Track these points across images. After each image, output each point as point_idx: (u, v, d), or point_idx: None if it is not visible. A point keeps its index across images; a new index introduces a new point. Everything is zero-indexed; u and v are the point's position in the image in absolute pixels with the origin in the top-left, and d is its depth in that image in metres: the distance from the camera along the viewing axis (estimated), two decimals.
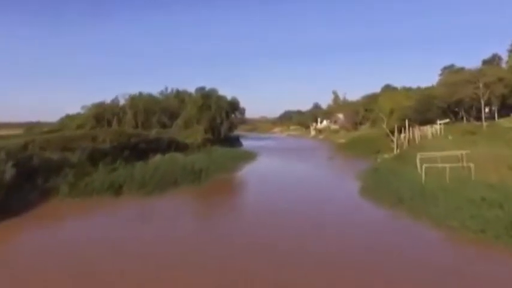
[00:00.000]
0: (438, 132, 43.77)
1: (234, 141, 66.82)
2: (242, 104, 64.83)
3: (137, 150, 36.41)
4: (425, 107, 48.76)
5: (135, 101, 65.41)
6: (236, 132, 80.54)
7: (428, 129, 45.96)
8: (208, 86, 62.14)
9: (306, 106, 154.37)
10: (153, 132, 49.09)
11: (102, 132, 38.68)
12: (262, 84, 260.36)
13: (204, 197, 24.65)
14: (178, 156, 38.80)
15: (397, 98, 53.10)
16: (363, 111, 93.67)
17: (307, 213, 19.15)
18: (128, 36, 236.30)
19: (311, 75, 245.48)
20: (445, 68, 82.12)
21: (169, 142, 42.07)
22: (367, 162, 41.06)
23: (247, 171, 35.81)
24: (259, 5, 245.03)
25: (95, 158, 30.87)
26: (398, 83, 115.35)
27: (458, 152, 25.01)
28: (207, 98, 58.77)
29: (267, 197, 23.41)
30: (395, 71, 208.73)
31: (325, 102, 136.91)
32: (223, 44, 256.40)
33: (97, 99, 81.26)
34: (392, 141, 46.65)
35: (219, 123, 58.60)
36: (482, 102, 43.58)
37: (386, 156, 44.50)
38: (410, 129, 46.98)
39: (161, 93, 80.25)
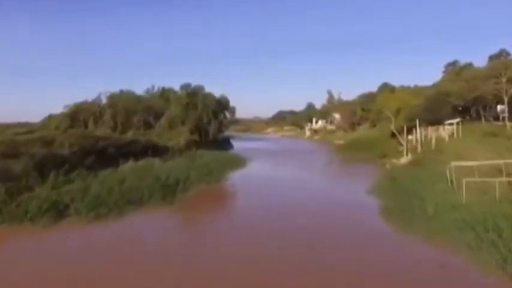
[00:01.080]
0: (454, 133, 38.56)
1: (224, 144, 61.12)
2: (233, 103, 59.36)
3: (105, 156, 30.59)
4: (437, 106, 43.58)
5: (115, 99, 59.21)
6: (228, 133, 75.59)
7: (441, 130, 40.87)
8: (194, 83, 56.20)
9: (299, 106, 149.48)
10: (129, 134, 43.22)
11: (64, 135, 32.77)
12: (255, 83, 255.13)
13: (173, 223, 18.54)
14: (155, 162, 33.04)
15: (403, 96, 47.73)
16: (360, 111, 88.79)
17: (316, 258, 12.60)
18: (128, 34, 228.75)
19: (304, 74, 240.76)
20: (448, 65, 77.29)
21: (146, 146, 36.23)
22: (374, 169, 35.78)
23: (235, 182, 30.15)
24: (250, 3, 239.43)
25: (47, 166, 24.97)
26: (395, 82, 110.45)
27: (500, 161, 19.63)
28: (193, 96, 53.01)
29: (255, 225, 16.90)
30: (391, 69, 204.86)
31: (319, 102, 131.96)
32: (216, 43, 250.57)
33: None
34: (400, 143, 41.38)
35: (207, 123, 52.88)
36: (506, 99, 38.47)
37: (395, 161, 39.26)
38: (420, 130, 41.87)
39: (147, 91, 74.09)
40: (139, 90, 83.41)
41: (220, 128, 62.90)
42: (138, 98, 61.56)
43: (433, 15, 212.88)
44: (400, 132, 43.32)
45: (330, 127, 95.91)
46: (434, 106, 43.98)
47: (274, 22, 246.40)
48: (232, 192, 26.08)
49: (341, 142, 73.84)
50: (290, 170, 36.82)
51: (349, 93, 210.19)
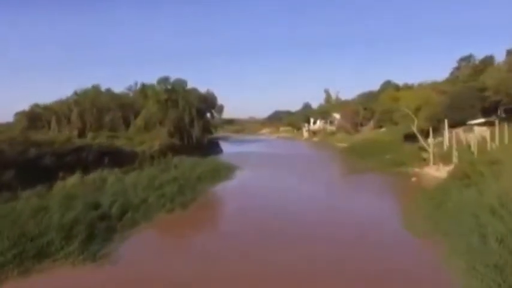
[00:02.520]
0: (487, 136, 30.84)
1: (211, 147, 53.12)
2: (227, 102, 51.62)
3: (38, 169, 22.51)
4: (465, 103, 35.96)
5: (82, 96, 50.89)
6: (221, 134, 67.97)
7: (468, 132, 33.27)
8: (177, 77, 48.02)
9: (295, 107, 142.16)
10: (89, 137, 35.13)
11: None
12: (250, 82, 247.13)
13: None
14: (111, 176, 25.01)
15: (425, 93, 40.02)
16: (363, 111, 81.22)
17: None
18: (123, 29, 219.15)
19: (300, 73, 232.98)
20: (462, 60, 70.04)
21: (102, 153, 28.09)
22: (395, 182, 28.03)
23: (214, 204, 22.16)
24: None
25: None
26: (398, 80, 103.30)
27: None
28: (173, 92, 44.99)
29: None
30: (391, 68, 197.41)
31: (316, 102, 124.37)
32: (210, 41, 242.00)
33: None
34: (423, 149, 33.63)
35: (189, 123, 44.86)
36: None
37: (418, 170, 31.56)
38: (444, 132, 34.30)
39: (129, 88, 65.52)
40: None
41: (207, 129, 55.11)
42: (112, 95, 53.16)
43: (433, 13, 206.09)
44: (420, 134, 35.68)
45: (330, 128, 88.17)
46: (462, 103, 36.34)
47: (270, 19, 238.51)
48: (204, 228, 17.82)
49: (344, 145, 66.16)
50: (289, 183, 28.81)
51: (347, 92, 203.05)
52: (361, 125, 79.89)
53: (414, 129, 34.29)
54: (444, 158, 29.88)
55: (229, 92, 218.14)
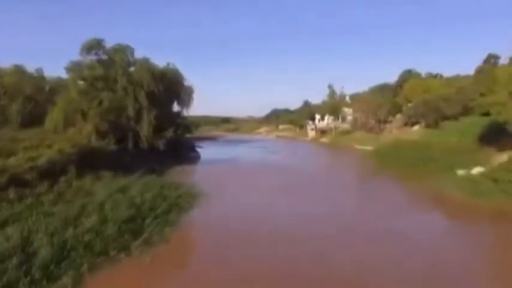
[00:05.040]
0: None
1: (180, 153, 35.35)
2: (223, 100, 34.73)
3: None
4: None
5: None
6: (213, 133, 50.55)
7: None
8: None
9: (293, 105, 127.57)
10: None
11: None
12: (248, 81, 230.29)
13: None
14: None
15: None
16: (388, 105, 63.80)
17: None
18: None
19: (300, 70, 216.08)
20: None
21: None
22: None
23: None
24: None
25: None
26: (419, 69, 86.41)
27: None
28: (107, 67, 27.48)
29: None
30: (398, 59, 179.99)
31: (315, 100, 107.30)
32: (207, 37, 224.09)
33: None
34: None
35: (135, 116, 27.33)
36: None
37: None
38: None
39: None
40: None
41: (163, 128, 37.50)
42: (31, 77, 35.36)
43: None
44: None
45: (345, 126, 70.64)
46: None
47: (268, 12, 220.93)
48: None
49: (367, 148, 48.72)
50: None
51: (350, 88, 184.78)
52: (385, 122, 62.51)
53: None
54: None
55: (230, 91, 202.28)
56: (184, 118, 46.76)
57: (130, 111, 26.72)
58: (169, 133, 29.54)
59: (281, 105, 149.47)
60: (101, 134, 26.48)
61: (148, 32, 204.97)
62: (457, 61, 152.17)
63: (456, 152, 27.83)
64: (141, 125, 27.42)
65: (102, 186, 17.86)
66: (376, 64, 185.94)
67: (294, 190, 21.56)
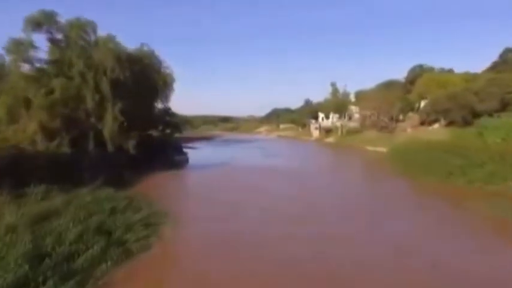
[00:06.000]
0: None
1: (159, 157, 29.27)
2: (223, 100, 30.83)
3: None
4: None
5: None
6: (211, 133, 44.27)
7: None
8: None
9: (295, 105, 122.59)
10: None
11: None
12: (250, 80, 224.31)
13: None
14: None
15: None
16: (401, 102, 57.79)
17: None
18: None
19: (300, 70, 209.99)
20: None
21: None
22: None
23: None
24: None
25: None
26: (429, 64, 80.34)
27: None
28: (62, 48, 21.50)
29: None
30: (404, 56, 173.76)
31: (316, 98, 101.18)
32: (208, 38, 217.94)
33: None
34: None
35: (95, 111, 21.32)
36: None
37: None
38: None
39: None
40: None
41: (156, 121, 31.67)
42: None
43: None
44: None
45: (353, 124, 64.47)
46: None
47: (268, 11, 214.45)
48: None
49: (381, 150, 42.78)
50: None
51: (352, 86, 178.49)
52: (397, 120, 56.41)
53: None
54: None
55: (230, 91, 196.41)
56: (173, 115, 41.08)
57: (89, 103, 20.67)
58: (152, 132, 23.44)
59: (282, 105, 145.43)
60: (51, 133, 20.54)
61: (147, 31, 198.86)
62: (466, 58, 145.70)
63: (506, 157, 21.73)
64: (104, 121, 21.37)
65: (15, 211, 11.82)
66: (377, 62, 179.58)
67: (317, 227, 13.08)
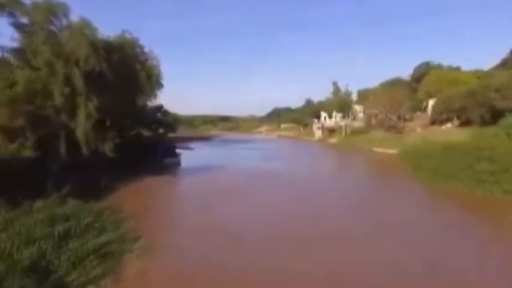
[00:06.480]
0: None
1: (144, 160, 26.14)
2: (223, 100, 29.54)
3: None
4: None
5: None
6: (210, 133, 41.15)
7: None
8: None
9: (295, 104, 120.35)
10: None
11: None
12: (250, 81, 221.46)
13: None
14: None
15: None
16: (408, 100, 54.69)
17: None
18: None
19: (300, 69, 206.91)
20: None
21: None
22: None
23: None
24: None
25: None
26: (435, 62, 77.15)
27: None
28: (28, 33, 18.38)
29: None
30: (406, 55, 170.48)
31: (317, 98, 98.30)
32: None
33: None
34: None
35: (66, 107, 18.16)
36: None
37: None
38: None
39: None
40: None
41: (144, 120, 28.62)
42: None
43: None
44: None
45: (357, 124, 61.28)
46: None
47: (268, 10, 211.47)
48: None
49: (390, 152, 39.61)
50: None
51: (353, 85, 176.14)
52: (404, 120, 53.24)
53: None
54: None
55: (230, 91, 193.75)
56: (166, 113, 38.06)
57: (57, 99, 17.56)
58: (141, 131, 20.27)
59: (282, 104, 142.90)
60: (13, 133, 17.43)
61: (145, 29, 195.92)
62: (471, 56, 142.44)
63: None
64: (77, 119, 18.27)
65: None
66: (378, 61, 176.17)
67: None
